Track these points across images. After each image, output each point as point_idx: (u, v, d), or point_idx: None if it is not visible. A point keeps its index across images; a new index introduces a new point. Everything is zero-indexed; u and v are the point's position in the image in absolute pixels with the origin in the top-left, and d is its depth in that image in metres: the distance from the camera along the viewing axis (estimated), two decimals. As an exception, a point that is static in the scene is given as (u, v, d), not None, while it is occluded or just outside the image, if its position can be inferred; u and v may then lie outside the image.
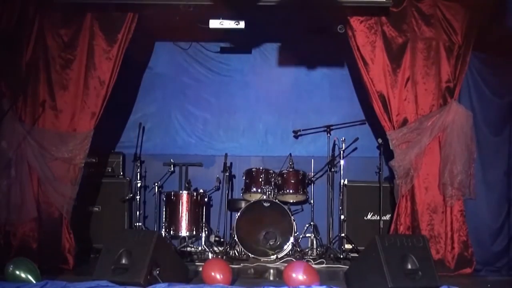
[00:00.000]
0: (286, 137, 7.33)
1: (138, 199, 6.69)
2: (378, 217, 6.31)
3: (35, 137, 5.61)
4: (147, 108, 7.37)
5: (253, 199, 6.56)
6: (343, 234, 6.49)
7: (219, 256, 6.23)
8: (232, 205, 6.85)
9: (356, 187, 6.65)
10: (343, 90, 7.31)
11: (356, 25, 5.76)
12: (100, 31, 5.72)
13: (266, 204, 6.41)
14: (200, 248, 6.56)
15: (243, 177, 6.81)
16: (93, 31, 5.72)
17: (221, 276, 4.62)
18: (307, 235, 6.75)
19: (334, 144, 6.90)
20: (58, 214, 5.61)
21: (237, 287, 4.64)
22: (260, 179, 6.63)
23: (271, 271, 5.85)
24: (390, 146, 5.77)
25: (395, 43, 5.77)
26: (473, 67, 5.88)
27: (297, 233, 6.47)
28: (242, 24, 5.95)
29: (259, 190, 6.60)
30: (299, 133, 7.17)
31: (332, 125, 6.96)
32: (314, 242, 6.68)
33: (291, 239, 6.31)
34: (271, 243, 6.39)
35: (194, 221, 6.47)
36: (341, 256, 6.23)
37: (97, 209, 6.63)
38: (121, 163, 6.97)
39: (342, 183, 6.69)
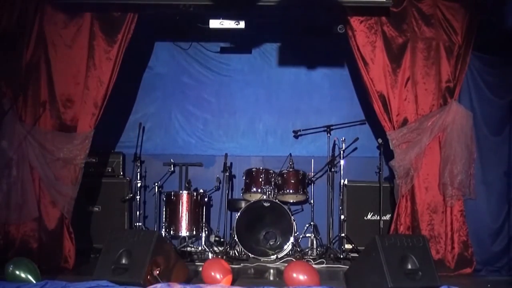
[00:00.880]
0: (286, 137, 7.33)
1: (138, 199, 6.69)
2: (378, 217, 6.31)
3: (35, 137, 5.61)
4: (147, 108, 7.37)
5: (253, 199, 6.56)
6: (343, 234, 6.49)
7: (219, 256, 6.23)
8: (232, 205, 6.84)
9: (356, 187, 6.65)
10: (343, 90, 7.31)
11: (356, 25, 5.76)
12: (100, 31, 5.72)
13: (266, 204, 6.41)
14: (200, 248, 6.56)
15: (243, 177, 6.81)
16: (93, 31, 5.71)
17: (221, 276, 4.62)
18: (307, 235, 6.75)
19: (334, 144, 6.90)
20: (58, 214, 5.62)
21: (237, 287, 4.64)
22: (260, 179, 6.63)
23: (271, 271, 5.85)
24: (390, 146, 5.77)
25: (395, 43, 5.77)
26: (473, 67, 5.88)
27: (297, 233, 6.47)
28: (242, 24, 5.96)
29: (259, 190, 6.60)
30: (299, 133, 7.17)
31: (332, 125, 6.96)
32: (314, 242, 6.68)
33: (291, 239, 6.31)
34: (271, 243, 6.40)
35: (194, 221, 6.47)
36: (341, 256, 6.23)
37: (97, 209, 6.63)
38: (121, 163, 6.97)
39: (342, 183, 6.69)
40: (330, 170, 6.78)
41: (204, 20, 6.06)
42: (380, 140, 6.18)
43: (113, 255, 4.42)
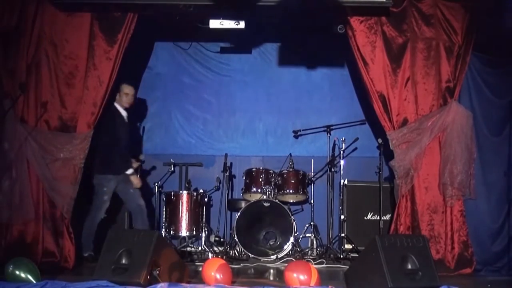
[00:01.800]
0: (286, 137, 7.34)
1: (138, 199, 6.69)
2: (378, 217, 6.31)
3: (36, 138, 5.61)
4: (147, 108, 7.38)
5: (253, 199, 6.56)
6: (343, 234, 6.50)
7: (219, 256, 6.23)
8: (232, 205, 6.85)
9: (356, 187, 6.65)
10: (343, 90, 7.32)
11: (356, 25, 5.76)
12: (100, 31, 5.72)
13: (266, 204, 6.42)
14: (200, 248, 6.56)
15: (243, 177, 6.81)
16: (93, 31, 5.72)
17: (221, 276, 4.62)
18: (307, 235, 6.75)
19: (334, 144, 6.90)
20: (58, 214, 5.62)
21: (237, 287, 4.64)
22: (260, 179, 6.63)
23: (271, 271, 5.84)
24: (390, 146, 5.77)
25: (395, 43, 5.77)
26: (473, 67, 5.88)
27: (297, 233, 6.47)
28: (242, 24, 5.96)
29: (259, 190, 6.60)
30: (299, 133, 7.17)
31: (332, 125, 6.96)
32: (314, 242, 6.68)
33: (291, 239, 6.31)
34: (271, 243, 6.40)
35: (194, 221, 6.47)
36: (341, 256, 6.23)
37: (97, 209, 6.62)
38: (121, 163, 6.96)
39: (342, 183, 6.69)
40: (330, 170, 6.78)
41: (204, 20, 6.06)
42: (380, 140, 6.18)
43: (113, 255, 4.41)
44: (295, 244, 6.35)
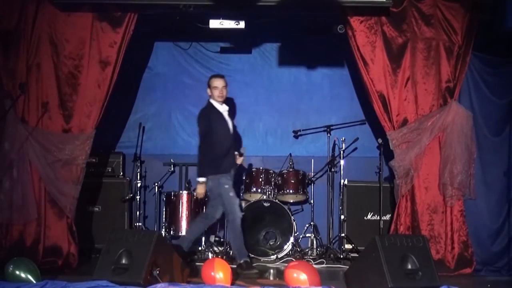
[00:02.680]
0: (286, 137, 7.33)
1: (138, 199, 6.70)
2: (378, 217, 6.31)
3: (37, 138, 5.61)
4: (147, 108, 7.37)
5: (253, 199, 6.56)
6: (343, 234, 6.50)
7: (219, 256, 6.23)
8: (232, 205, 6.83)
9: (356, 187, 6.65)
10: (343, 90, 7.31)
11: (356, 25, 5.76)
12: (101, 31, 5.72)
13: (266, 204, 6.42)
14: (200, 248, 6.56)
15: (243, 177, 6.81)
16: (93, 32, 5.71)
17: (221, 276, 4.62)
18: (307, 235, 6.75)
19: (334, 144, 6.90)
20: (61, 213, 5.62)
21: (237, 287, 4.64)
22: (260, 179, 6.62)
23: (271, 271, 5.85)
24: (390, 146, 5.77)
25: (395, 43, 5.77)
26: (473, 67, 5.88)
27: (297, 233, 6.48)
28: (242, 24, 5.96)
29: (259, 190, 6.60)
30: (299, 133, 7.17)
31: (332, 125, 6.95)
32: (314, 242, 6.68)
33: (291, 239, 6.31)
34: (271, 243, 6.40)
35: (194, 221, 6.46)
36: (341, 256, 6.23)
37: (97, 209, 6.63)
38: (121, 163, 6.97)
39: (342, 183, 6.69)
40: (330, 170, 6.78)
41: (204, 20, 6.06)
42: (380, 140, 6.19)
43: (113, 255, 4.41)
44: (295, 244, 6.35)
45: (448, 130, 5.67)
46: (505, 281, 5.52)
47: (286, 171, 6.69)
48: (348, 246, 6.43)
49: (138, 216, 6.70)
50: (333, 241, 6.67)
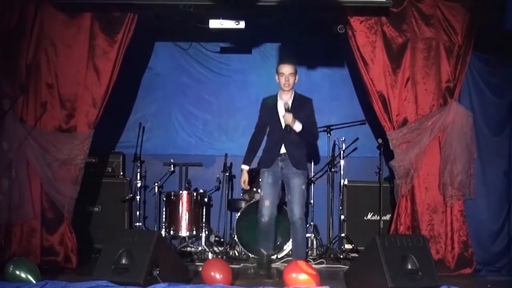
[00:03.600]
0: (286, 137, 7.32)
1: (138, 199, 6.70)
2: (378, 217, 6.32)
3: (36, 138, 5.61)
4: (147, 108, 7.38)
5: (253, 199, 6.55)
6: (343, 234, 6.50)
7: (219, 256, 6.23)
8: (232, 205, 6.84)
9: (356, 187, 6.65)
10: (343, 90, 7.31)
11: (356, 25, 5.75)
12: (100, 31, 5.72)
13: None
14: (200, 248, 6.56)
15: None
16: (93, 31, 5.71)
17: (221, 276, 4.62)
18: (307, 235, 6.73)
19: (334, 144, 6.90)
20: (59, 214, 5.62)
21: (237, 287, 4.64)
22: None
23: (271, 271, 5.84)
24: (390, 146, 5.77)
25: (395, 43, 5.76)
26: (473, 67, 5.87)
27: (297, 233, 6.46)
28: (242, 24, 5.95)
29: (259, 190, 6.58)
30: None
31: (332, 125, 6.95)
32: (314, 242, 6.68)
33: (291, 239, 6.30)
34: (271, 243, 6.39)
35: (194, 221, 6.47)
36: (341, 256, 6.24)
37: (97, 209, 6.63)
38: (121, 163, 6.98)
39: (342, 183, 6.69)
40: (330, 170, 6.78)
41: (204, 20, 6.06)
42: (380, 140, 6.19)
43: (113, 255, 4.42)
44: (295, 244, 6.35)
45: (448, 130, 5.67)
46: (505, 281, 5.52)
47: (286, 171, 6.67)
48: (348, 246, 6.44)
49: (138, 216, 6.70)
50: (333, 241, 6.67)
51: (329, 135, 6.89)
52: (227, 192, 6.81)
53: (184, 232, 6.45)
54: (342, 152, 6.70)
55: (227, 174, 6.78)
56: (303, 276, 4.52)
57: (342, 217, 6.57)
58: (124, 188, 6.73)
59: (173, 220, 6.48)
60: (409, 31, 5.76)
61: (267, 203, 5.36)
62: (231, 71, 7.41)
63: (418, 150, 5.68)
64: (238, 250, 6.35)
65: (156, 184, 6.73)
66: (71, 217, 5.64)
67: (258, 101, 7.36)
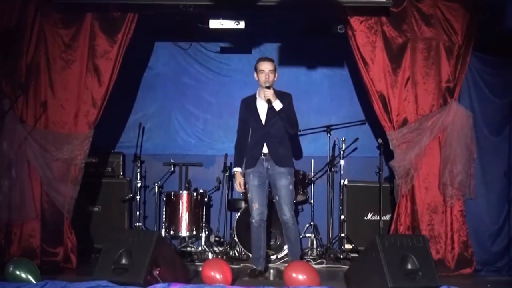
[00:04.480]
0: (286, 137, 7.33)
1: (138, 199, 6.70)
2: (378, 217, 6.32)
3: (36, 138, 5.61)
4: (147, 108, 7.37)
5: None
6: (343, 234, 6.50)
7: (219, 256, 6.23)
8: (232, 205, 6.84)
9: (356, 187, 6.65)
10: (343, 90, 7.31)
11: (356, 25, 5.75)
12: (101, 31, 5.72)
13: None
14: (200, 248, 6.56)
15: (243, 177, 6.79)
16: (93, 32, 5.72)
17: (221, 276, 4.62)
18: (307, 235, 6.74)
19: (334, 144, 6.90)
20: (59, 214, 5.62)
21: (237, 287, 4.64)
22: (260, 179, 6.61)
23: (271, 271, 5.84)
24: (390, 146, 5.77)
25: (395, 43, 5.76)
26: (473, 67, 5.88)
27: (297, 233, 6.47)
28: (242, 24, 5.96)
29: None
30: (299, 133, 7.16)
31: (332, 125, 6.95)
32: (314, 242, 6.67)
33: (291, 239, 6.30)
34: (271, 243, 6.39)
35: (194, 221, 6.47)
36: (341, 256, 6.24)
37: (97, 209, 6.64)
38: (121, 163, 6.98)
39: (342, 183, 6.69)
40: (330, 170, 6.78)
41: (204, 20, 6.06)
42: (380, 140, 6.19)
43: (113, 255, 4.42)
44: (295, 244, 6.35)
45: (448, 130, 5.67)
46: (505, 281, 5.52)
47: (286, 171, 6.67)
48: (348, 246, 6.44)
49: (138, 216, 6.71)
50: (333, 241, 6.67)
51: (329, 135, 6.89)
52: (227, 192, 6.81)
53: (184, 232, 6.45)
54: (342, 152, 6.71)
55: (227, 174, 6.78)
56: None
57: (342, 217, 6.57)
58: (124, 188, 6.73)
59: (173, 220, 6.48)
60: (409, 31, 5.76)
61: (256, 205, 5.33)
62: (231, 71, 7.40)
63: (418, 150, 5.68)
64: (238, 250, 6.35)
65: (156, 184, 6.74)
66: (71, 217, 5.64)
67: (258, 101, 7.39)
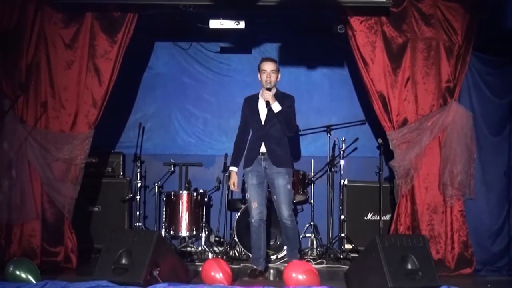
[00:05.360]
0: (286, 137, 7.33)
1: (138, 199, 6.70)
2: (378, 217, 6.32)
3: (36, 138, 5.61)
4: (147, 108, 7.37)
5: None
6: (343, 234, 6.50)
7: (219, 256, 6.23)
8: (232, 205, 6.84)
9: (356, 187, 6.65)
10: (343, 90, 7.31)
11: (356, 25, 5.75)
12: (101, 31, 5.72)
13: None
14: (200, 248, 6.56)
15: (243, 177, 6.80)
16: (93, 32, 5.72)
17: (221, 276, 4.62)
18: (307, 235, 6.75)
19: (334, 144, 6.90)
20: (60, 214, 5.62)
21: (237, 287, 4.64)
22: (260, 179, 6.61)
23: (271, 271, 5.85)
24: (390, 146, 5.77)
25: (395, 43, 5.76)
26: (473, 67, 5.88)
27: (297, 233, 6.47)
28: (242, 24, 5.96)
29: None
30: (299, 133, 7.16)
31: (332, 125, 6.95)
32: (314, 242, 6.68)
33: (291, 239, 6.30)
34: (271, 243, 6.40)
35: (194, 221, 6.47)
36: (341, 256, 6.24)
37: (97, 209, 6.63)
38: (121, 163, 6.98)
39: (342, 183, 6.69)
40: (330, 170, 6.78)
41: (204, 20, 6.06)
42: (380, 140, 6.19)
43: (113, 255, 4.42)
44: (295, 244, 6.35)
45: (448, 130, 5.67)
46: (505, 281, 5.52)
47: (286, 171, 6.67)
48: (348, 246, 6.44)
49: (138, 216, 6.71)
50: (333, 241, 6.67)
51: (329, 135, 6.89)
52: (227, 192, 6.80)
53: (184, 232, 6.45)
54: (342, 152, 6.71)
55: (227, 174, 6.76)
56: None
57: (342, 217, 6.57)
58: (124, 188, 6.73)
59: (173, 220, 6.48)
60: (409, 31, 5.76)
61: (254, 204, 5.36)
62: (231, 71, 7.40)
63: (418, 150, 5.68)
64: (238, 250, 6.35)
65: (156, 184, 6.74)
66: (71, 217, 5.64)
67: (258, 101, 7.39)
